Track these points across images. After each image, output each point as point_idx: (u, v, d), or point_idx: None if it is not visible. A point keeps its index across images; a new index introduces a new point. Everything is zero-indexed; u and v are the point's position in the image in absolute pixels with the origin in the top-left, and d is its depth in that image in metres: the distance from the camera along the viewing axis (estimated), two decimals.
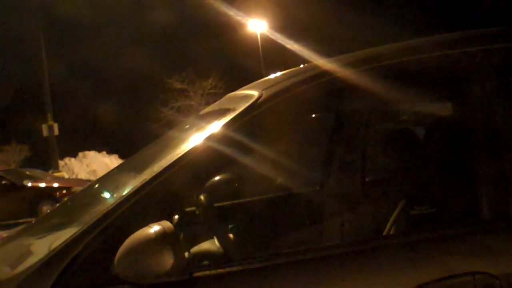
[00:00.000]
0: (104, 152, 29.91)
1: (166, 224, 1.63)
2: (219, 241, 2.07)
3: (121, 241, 1.63)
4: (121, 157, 28.99)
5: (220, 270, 1.73)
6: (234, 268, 1.75)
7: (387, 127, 3.17)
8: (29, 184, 15.60)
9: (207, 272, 1.71)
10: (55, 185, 15.83)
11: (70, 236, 1.73)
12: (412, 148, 2.45)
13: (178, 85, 33.30)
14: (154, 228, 1.60)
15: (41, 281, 1.65)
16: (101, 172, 24.53)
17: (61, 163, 24.69)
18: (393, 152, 2.56)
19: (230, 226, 2.42)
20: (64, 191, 15.06)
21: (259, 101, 1.92)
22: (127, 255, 1.59)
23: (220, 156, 1.83)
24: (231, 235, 2.23)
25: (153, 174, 1.79)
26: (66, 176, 22.42)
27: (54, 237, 1.99)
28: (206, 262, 1.91)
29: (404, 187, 2.44)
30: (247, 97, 2.00)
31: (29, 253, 1.98)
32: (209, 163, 1.84)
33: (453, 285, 1.70)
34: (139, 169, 2.11)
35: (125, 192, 1.83)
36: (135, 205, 1.74)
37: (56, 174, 19.50)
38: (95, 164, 28.00)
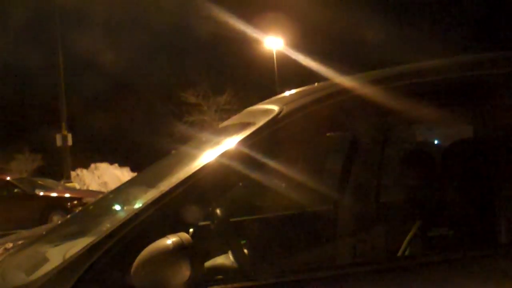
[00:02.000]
0: (116, 165, 29.96)
1: (184, 235, 1.63)
2: (234, 256, 2.06)
3: (137, 252, 1.64)
4: (132, 170, 29.05)
5: (235, 285, 1.72)
6: (249, 283, 1.75)
7: (404, 148, 3.16)
8: (41, 193, 15.66)
9: (222, 287, 1.71)
10: (67, 195, 15.88)
11: (87, 245, 1.73)
12: (429, 170, 2.44)
13: (193, 100, 33.42)
14: (172, 239, 1.60)
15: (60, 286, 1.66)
16: (112, 184, 24.58)
17: (73, 173, 24.76)
18: (409, 173, 2.56)
19: (244, 241, 2.41)
20: (75, 202, 15.09)
21: (280, 116, 1.93)
22: (144, 266, 1.60)
23: (239, 171, 1.83)
24: (245, 251, 2.23)
25: (172, 185, 1.80)
26: (78, 187, 22.46)
27: (69, 245, 1.99)
28: (220, 277, 1.90)
29: (419, 208, 2.43)
30: (268, 111, 2.01)
31: (44, 260, 1.98)
32: (227, 176, 1.84)
33: None
34: (154, 182, 2.12)
35: (140, 204, 1.84)
36: (152, 216, 1.75)
37: (68, 185, 19.57)
38: (106, 176, 28.06)
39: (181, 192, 1.79)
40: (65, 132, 20.69)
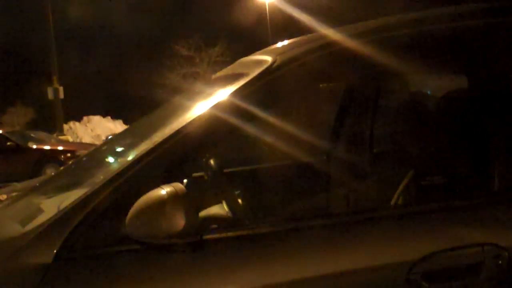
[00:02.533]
0: (109, 117, 29.95)
1: (178, 186, 1.63)
2: (228, 206, 2.08)
3: (131, 202, 1.64)
4: (125, 122, 29.03)
5: (230, 234, 1.74)
6: (244, 232, 1.77)
7: (397, 98, 3.15)
8: (34, 146, 15.67)
9: (217, 235, 1.72)
10: (60, 148, 15.90)
11: (81, 196, 1.74)
12: (422, 120, 2.45)
13: (185, 52, 33.21)
14: (166, 189, 1.61)
15: (52, 239, 1.66)
16: (105, 137, 24.61)
17: (65, 126, 24.75)
18: (402, 123, 2.56)
19: (238, 192, 2.42)
20: (69, 154, 15.13)
21: (273, 66, 1.91)
22: (138, 215, 1.61)
23: (232, 122, 1.83)
24: (239, 200, 2.24)
25: (164, 137, 1.79)
26: (71, 139, 22.47)
27: (64, 196, 2.00)
28: (214, 226, 1.92)
29: (413, 158, 2.44)
30: (261, 62, 1.99)
31: (39, 211, 1.99)
32: (220, 128, 1.84)
33: (461, 256, 1.71)
34: (147, 134, 2.12)
35: (133, 156, 1.84)
36: (145, 168, 1.75)
37: (61, 137, 19.56)
38: (99, 128, 28.07)
39: (174, 143, 1.78)
40: (56, 85, 20.56)
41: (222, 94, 1.89)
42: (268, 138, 2.24)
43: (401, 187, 2.33)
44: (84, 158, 2.87)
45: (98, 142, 21.92)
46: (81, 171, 2.50)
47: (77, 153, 14.85)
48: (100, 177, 1.93)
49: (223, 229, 1.81)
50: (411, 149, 2.48)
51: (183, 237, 1.61)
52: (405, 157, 2.54)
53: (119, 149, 2.45)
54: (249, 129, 1.89)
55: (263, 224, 1.84)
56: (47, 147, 15.80)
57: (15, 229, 1.89)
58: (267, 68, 1.92)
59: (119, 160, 2.25)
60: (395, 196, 2.31)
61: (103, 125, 28.62)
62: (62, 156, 15.15)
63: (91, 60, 35.43)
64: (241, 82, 1.90)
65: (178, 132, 1.80)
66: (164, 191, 1.61)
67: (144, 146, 1.85)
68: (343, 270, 1.69)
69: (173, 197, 1.59)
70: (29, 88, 31.27)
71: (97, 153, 2.79)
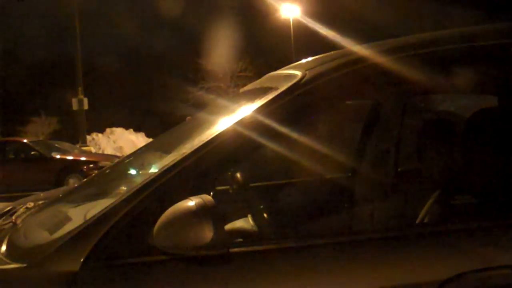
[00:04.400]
0: (131, 130, 30.12)
1: (207, 197, 1.64)
2: (254, 220, 2.08)
3: (159, 213, 1.65)
4: (147, 135, 29.18)
5: (257, 247, 1.74)
6: (270, 246, 1.76)
7: (424, 117, 3.14)
8: (57, 156, 15.81)
9: (244, 249, 1.72)
10: (83, 158, 16.03)
11: (109, 205, 1.75)
12: (450, 139, 2.43)
13: (209, 66, 33.38)
14: (195, 201, 1.61)
15: (79, 247, 1.67)
16: (127, 149, 24.76)
17: (88, 138, 24.95)
18: (429, 142, 2.54)
19: (263, 206, 2.42)
20: (91, 165, 15.25)
21: (303, 81, 1.91)
22: (166, 226, 1.61)
23: (259, 136, 1.83)
24: (265, 215, 2.24)
25: (195, 147, 1.80)
26: (93, 150, 22.65)
27: (90, 206, 2.02)
28: (240, 240, 1.92)
29: (440, 177, 2.42)
30: (291, 76, 2.00)
31: (66, 219, 2.01)
32: (248, 141, 1.84)
33: (491, 277, 1.69)
34: (170, 148, 2.13)
35: (160, 167, 1.85)
36: (174, 178, 1.76)
37: (84, 148, 19.72)
38: (121, 140, 28.22)
39: (202, 155, 1.79)
40: (81, 96, 20.77)
41: (252, 107, 1.90)
42: (294, 153, 2.24)
43: (427, 205, 2.31)
44: (110, 169, 2.89)
45: (120, 154, 22.06)
46: (107, 182, 2.52)
47: (100, 164, 14.97)
48: (126, 188, 1.94)
49: (249, 242, 1.81)
50: (437, 168, 2.46)
51: (211, 249, 1.61)
52: (432, 176, 2.52)
53: (144, 162, 2.46)
54: (276, 143, 1.89)
55: (289, 239, 1.83)
56: (70, 158, 15.94)
57: (43, 236, 1.91)
58: (296, 82, 1.92)
59: (145, 172, 2.26)
60: (421, 214, 2.29)
61: (125, 137, 28.79)
62: (85, 167, 15.27)
63: (115, 73, 35.75)
64: (270, 96, 1.90)
65: (206, 144, 1.80)
66: (192, 202, 1.61)
67: (172, 158, 1.86)
68: (367, 287, 1.68)
69: (202, 208, 1.60)
70: (54, 99, 31.63)
71: (123, 164, 2.81)
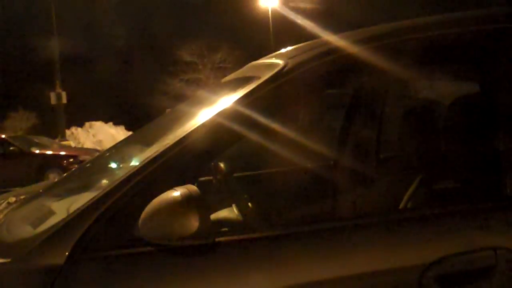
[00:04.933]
0: (111, 123, 29.96)
1: (192, 187, 1.63)
2: (238, 209, 2.08)
3: (144, 204, 1.65)
4: (127, 128, 29.04)
5: (242, 236, 1.74)
6: (256, 235, 1.77)
7: (404, 104, 3.16)
8: (37, 151, 15.70)
9: (229, 238, 1.73)
10: (62, 153, 15.94)
11: (93, 198, 1.74)
12: (431, 126, 2.45)
13: (188, 58, 33.27)
14: (180, 191, 1.61)
15: (64, 241, 1.66)
16: (107, 143, 24.62)
17: (67, 132, 24.79)
18: (410, 128, 2.56)
19: (247, 195, 2.43)
20: (71, 160, 15.17)
21: (285, 70, 1.91)
22: (152, 217, 1.61)
23: (243, 124, 1.83)
24: (249, 204, 2.24)
25: (176, 139, 1.80)
26: (73, 145, 22.49)
27: (73, 199, 2.00)
28: (225, 229, 1.92)
29: (421, 163, 2.44)
30: (272, 65, 1.99)
31: (49, 213, 1.99)
32: (232, 131, 1.84)
33: (474, 259, 1.71)
34: (151, 141, 2.12)
35: (143, 160, 1.84)
36: (158, 169, 1.75)
37: (63, 143, 19.60)
38: (101, 134, 28.07)
39: (186, 146, 1.78)
40: (59, 90, 20.61)
41: (234, 97, 1.89)
42: (277, 143, 2.24)
43: (410, 191, 2.33)
44: (91, 163, 2.87)
45: (100, 148, 21.93)
46: (89, 175, 2.51)
47: (80, 159, 14.89)
48: (109, 181, 1.93)
49: (235, 232, 1.81)
50: (419, 154, 2.48)
51: (196, 239, 1.61)
52: (413, 162, 2.54)
53: (125, 155, 2.45)
54: (259, 133, 1.89)
55: (274, 227, 1.84)
56: (49, 152, 15.83)
57: (26, 231, 1.89)
58: (278, 71, 1.92)
59: (127, 165, 2.26)
60: (404, 200, 2.31)
61: (105, 130, 28.63)
62: (65, 161, 15.18)
63: (93, 66, 35.46)
64: (253, 85, 1.90)
65: (189, 135, 1.80)
66: (177, 192, 1.61)
67: (154, 150, 1.85)
68: (353, 273, 1.69)
69: (187, 198, 1.59)
70: (32, 93, 31.30)
71: (104, 158, 2.80)
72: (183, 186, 1.63)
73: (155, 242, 1.63)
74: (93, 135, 27.93)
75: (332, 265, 1.70)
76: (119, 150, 2.65)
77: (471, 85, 2.36)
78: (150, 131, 2.67)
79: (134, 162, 2.02)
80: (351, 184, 2.93)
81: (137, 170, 1.75)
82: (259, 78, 1.94)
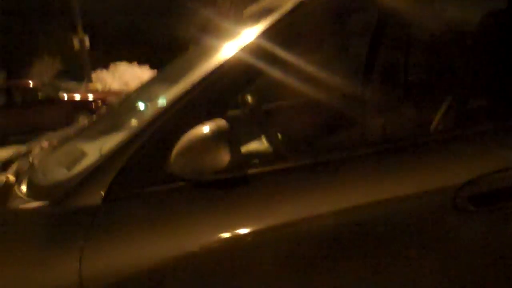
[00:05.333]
0: (135, 63, 29.90)
1: (221, 121, 1.64)
2: (268, 141, 2.08)
3: (175, 141, 1.66)
4: (151, 67, 28.98)
5: (273, 167, 1.75)
6: (286, 165, 1.77)
7: (432, 24, 3.09)
8: (65, 97, 15.80)
9: (260, 169, 1.74)
10: (90, 97, 16.02)
11: (124, 137, 1.76)
12: (460, 45, 2.40)
13: None
14: (210, 126, 1.61)
15: (99, 181, 1.69)
16: (133, 83, 24.63)
17: (93, 75, 24.85)
18: (439, 49, 2.51)
19: (276, 126, 2.42)
20: (99, 103, 15.25)
21: None
22: (183, 153, 1.62)
23: (270, 56, 1.81)
24: (279, 134, 2.24)
25: (204, 74, 1.79)
26: (100, 87, 22.61)
27: (105, 140, 2.02)
28: (256, 161, 1.93)
29: (451, 84, 2.40)
30: None
31: (83, 155, 2.02)
32: (257, 64, 1.82)
33: (508, 177, 1.70)
34: (181, 76, 2.11)
35: (168, 98, 1.84)
36: (186, 106, 1.75)
37: (90, 86, 19.69)
38: (127, 75, 28.07)
39: (211, 82, 1.78)
40: (81, 35, 20.58)
41: (259, 29, 1.86)
42: (304, 73, 2.21)
43: (440, 112, 2.29)
44: (119, 104, 2.88)
45: (126, 88, 22.00)
46: (118, 116, 2.52)
47: (107, 101, 14.97)
48: (139, 120, 1.94)
49: (266, 163, 1.81)
50: (449, 75, 2.44)
51: (228, 172, 1.63)
52: (443, 83, 2.50)
53: (153, 94, 2.45)
54: (285, 64, 1.87)
55: (304, 156, 1.84)
56: (77, 97, 15.93)
57: (62, 173, 1.93)
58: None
59: (156, 103, 2.26)
60: (435, 122, 2.28)
61: (130, 71, 28.60)
62: (93, 105, 15.29)
63: (115, 6, 35.19)
64: (276, 16, 1.87)
65: (215, 70, 1.79)
66: (207, 127, 1.61)
67: (181, 87, 1.85)
68: (388, 197, 1.69)
69: (217, 132, 1.60)
70: (55, 39, 31.30)
71: (132, 98, 2.80)
72: (212, 121, 1.63)
73: (188, 178, 1.65)
74: (119, 77, 27.96)
75: (365, 191, 1.71)
76: (145, 89, 2.66)
77: (500, 0, 2.28)
78: (176, 69, 2.65)
79: (162, 100, 2.02)
80: (380, 110, 2.90)
81: (166, 108, 1.76)
82: (282, 8, 1.90)
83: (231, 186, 1.67)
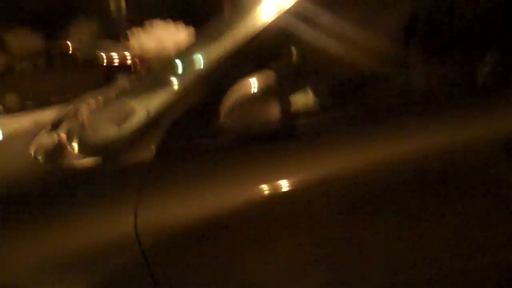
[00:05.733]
0: (170, 20, 29.78)
1: (269, 73, 1.65)
2: (314, 93, 2.08)
3: (224, 96, 1.67)
4: (186, 24, 28.85)
5: (320, 118, 1.76)
6: (333, 115, 1.78)
7: None
8: (104, 57, 15.88)
9: (308, 120, 1.75)
10: (128, 56, 16.06)
11: (174, 94, 1.78)
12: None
13: None
14: (258, 78, 1.63)
15: (151, 137, 1.73)
16: (168, 41, 24.59)
17: (130, 34, 24.88)
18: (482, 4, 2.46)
19: (322, 78, 2.41)
20: (138, 61, 15.29)
21: None
22: (233, 107, 1.64)
23: (313, 17, 1.81)
24: (324, 86, 2.24)
25: (249, 32, 1.80)
26: (137, 46, 22.64)
27: (152, 97, 2.05)
28: (304, 112, 1.94)
29: (496, 37, 2.35)
30: None
31: (132, 112, 2.05)
32: (297, 27, 1.83)
33: None
34: (223, 34, 2.11)
35: (213, 56, 1.85)
36: (233, 62, 1.77)
37: (127, 46, 19.72)
38: (162, 33, 28.00)
39: (256, 37, 1.79)
40: None
41: None
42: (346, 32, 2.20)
43: (486, 66, 2.26)
44: (162, 63, 2.90)
45: (162, 47, 21.97)
46: (163, 74, 2.54)
47: (145, 60, 14.99)
48: (189, 76, 1.96)
49: (313, 114, 1.83)
50: (494, 28, 2.39)
51: (279, 125, 1.64)
52: (488, 37, 2.45)
53: (200, 51, 2.45)
54: (327, 24, 1.86)
55: (352, 107, 1.84)
56: (116, 57, 15.99)
57: (112, 130, 1.97)
58: None
59: (199, 60, 2.27)
60: (481, 76, 2.25)
61: (165, 29, 28.53)
62: (132, 64, 15.33)
63: None
64: None
65: (267, 26, 1.80)
66: (256, 80, 1.63)
67: (224, 44, 1.86)
68: (441, 143, 1.71)
69: (266, 85, 1.61)
70: (91, 0, 31.36)
71: (177, 56, 2.81)
72: (260, 74, 1.64)
73: (239, 131, 1.67)
74: (154, 35, 27.93)
75: (417, 138, 1.71)
76: (189, 49, 2.66)
77: None
78: (216, 28, 2.65)
79: (207, 57, 2.03)
80: (425, 62, 2.85)
81: (214, 64, 1.78)
82: None
83: (280, 138, 1.69)
